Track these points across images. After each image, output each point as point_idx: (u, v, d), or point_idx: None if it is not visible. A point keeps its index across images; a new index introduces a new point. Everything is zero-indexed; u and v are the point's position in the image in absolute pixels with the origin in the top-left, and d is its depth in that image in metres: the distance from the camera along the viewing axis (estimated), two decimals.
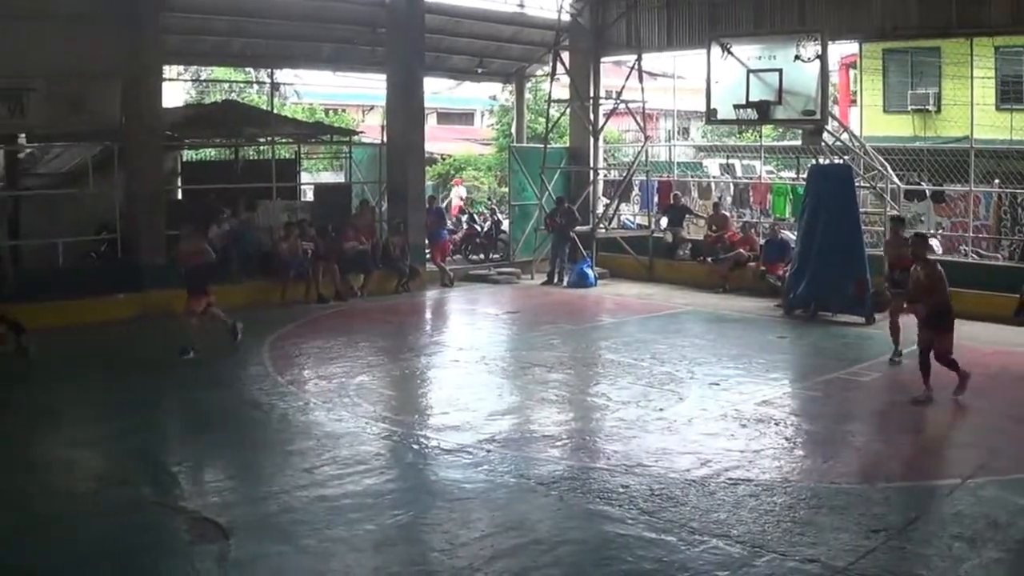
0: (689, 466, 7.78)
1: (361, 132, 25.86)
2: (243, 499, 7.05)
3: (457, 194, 29.89)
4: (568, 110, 22.03)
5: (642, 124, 21.01)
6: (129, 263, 15.50)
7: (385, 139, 19.60)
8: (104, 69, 15.48)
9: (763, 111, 16.60)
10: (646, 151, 21.02)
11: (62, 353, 12.10)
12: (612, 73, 22.98)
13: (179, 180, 19.39)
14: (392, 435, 8.74)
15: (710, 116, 17.61)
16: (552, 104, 21.57)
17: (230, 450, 8.73)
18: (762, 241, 18.79)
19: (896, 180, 17.52)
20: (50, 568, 5.84)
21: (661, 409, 9.65)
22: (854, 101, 25.20)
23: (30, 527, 6.48)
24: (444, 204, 25.02)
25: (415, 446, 8.41)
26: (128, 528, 6.47)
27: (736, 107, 16.81)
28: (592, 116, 21.13)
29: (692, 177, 23.49)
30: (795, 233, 17.08)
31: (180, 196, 18.79)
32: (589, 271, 19.13)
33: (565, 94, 21.73)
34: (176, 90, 27.54)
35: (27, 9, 14.43)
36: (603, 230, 20.46)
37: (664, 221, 21.02)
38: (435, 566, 5.86)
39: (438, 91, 28.25)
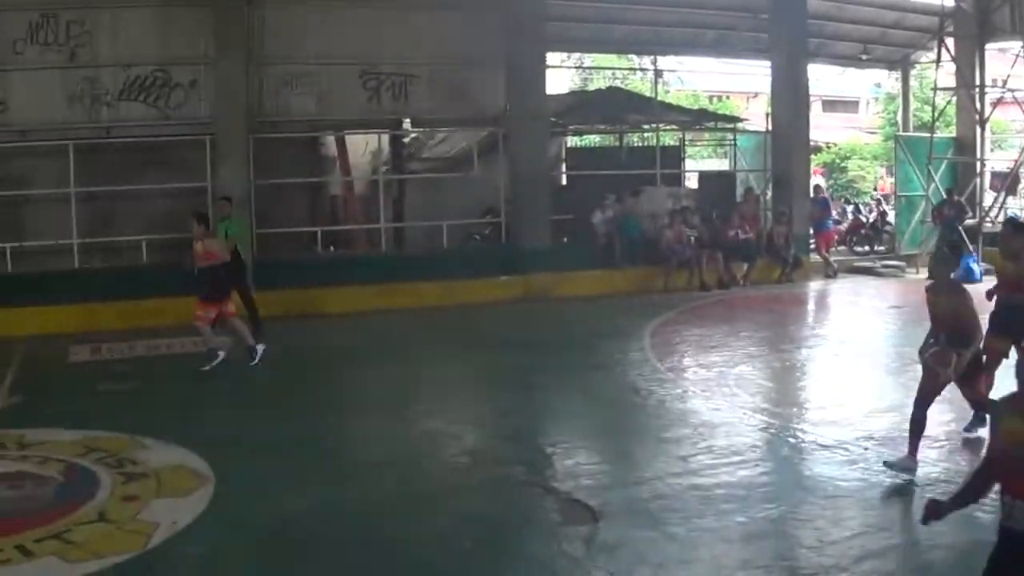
0: None
1: (745, 120, 25.65)
2: (615, 483, 7.18)
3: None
4: (954, 98, 21.02)
5: None
6: (512, 246, 16.33)
7: (770, 127, 19.74)
8: (486, 56, 16.43)
9: None
10: None
11: (446, 331, 12.93)
12: (997, 60, 22.23)
13: (563, 166, 19.96)
14: (769, 427, 8.68)
15: None
16: (937, 92, 20.86)
17: (605, 434, 8.87)
18: None
19: None
20: (419, 539, 6.18)
21: None
22: None
23: (403, 498, 6.94)
24: None
25: (791, 440, 8.31)
26: (498, 505, 6.76)
27: None
28: (978, 105, 19.90)
29: None
30: None
31: (564, 181, 19.33)
32: (975, 266, 17.82)
33: (951, 82, 20.98)
34: (560, 77, 28.69)
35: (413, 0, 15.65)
36: (990, 224, 19.24)
37: None
38: (802, 562, 5.80)
39: (823, 78, 27.81)
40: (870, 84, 36.16)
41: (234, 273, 12.25)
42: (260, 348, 11.60)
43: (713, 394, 9.81)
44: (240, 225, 13.00)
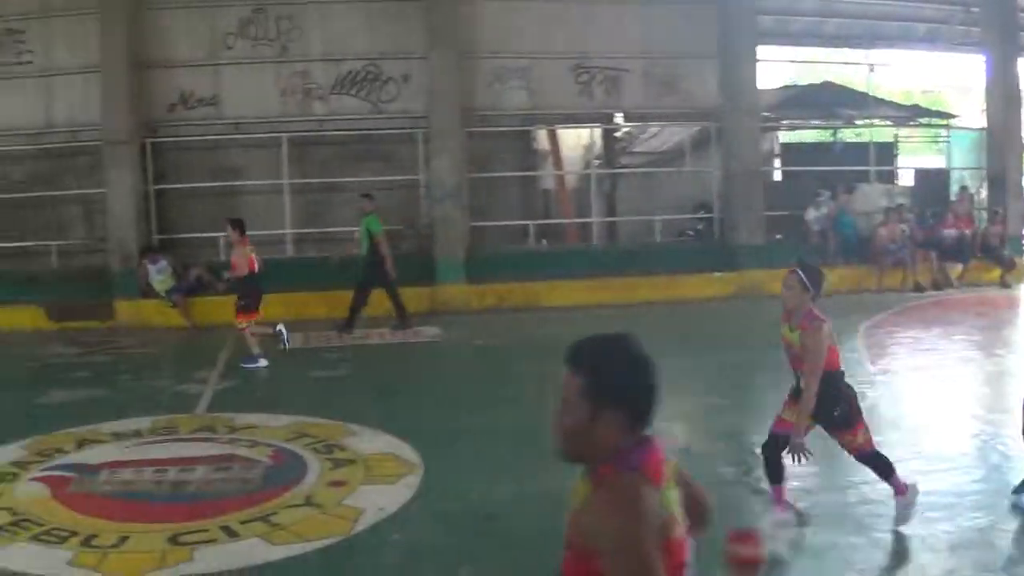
0: None
1: (958, 116, 24.46)
2: (823, 486, 7.19)
3: None
4: None
5: None
6: (725, 242, 16.10)
7: (985, 123, 18.90)
8: (698, 50, 16.32)
9: None
10: None
11: (658, 327, 12.88)
12: None
13: (777, 161, 19.55)
14: (980, 434, 8.52)
15: None
16: None
17: (814, 436, 8.47)
18: None
19: None
20: None
21: None
22: None
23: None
24: None
25: (1000, 447, 8.04)
26: None
27: None
28: None
29: None
30: None
31: (777, 177, 18.99)
32: None
33: None
34: (774, 71, 28.11)
35: None
36: None
37: None
38: (1009, 574, 5.79)
39: None
40: None
41: (375, 268, 13.04)
42: (262, 362, 11.86)
43: (925, 398, 9.74)
44: (378, 222, 13.38)
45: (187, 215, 15.30)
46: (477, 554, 6.10)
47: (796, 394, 6.38)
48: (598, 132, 18.12)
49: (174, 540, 6.49)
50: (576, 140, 18.34)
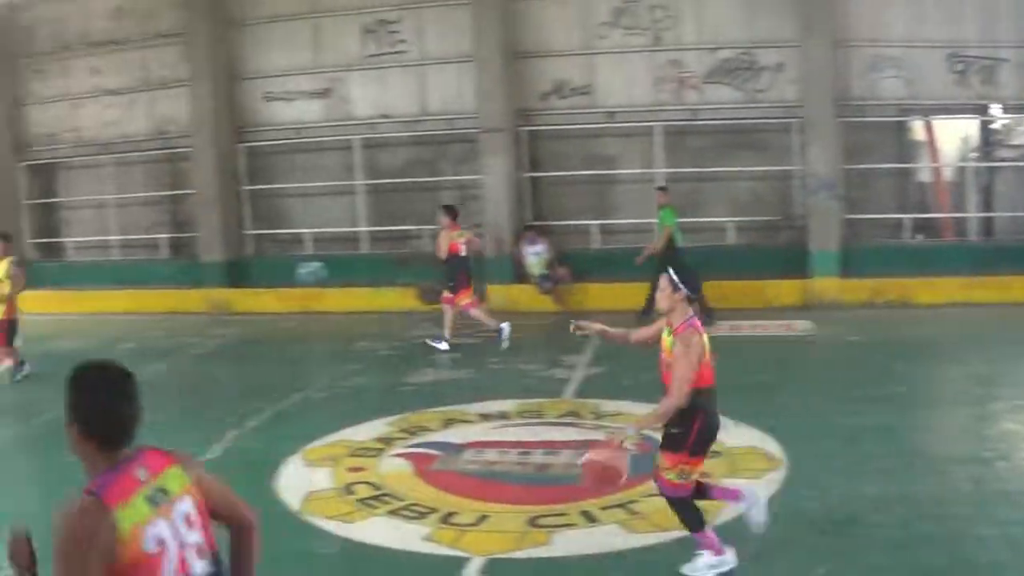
0: None
1: None
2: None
3: None
4: None
5: None
6: None
7: None
8: None
9: None
10: None
11: None
12: None
13: None
14: None
15: None
16: None
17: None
18: None
19: None
20: (991, 543, 6.49)
21: None
22: None
23: (975, 498, 7.40)
24: None
25: None
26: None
27: None
28: None
29: None
30: None
31: None
32: None
33: None
34: None
35: None
36: None
37: None
38: None
39: None
40: None
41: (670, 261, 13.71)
42: (504, 327, 13.49)
43: None
44: (671, 214, 14.65)
45: (560, 202, 17.35)
46: (834, 555, 6.49)
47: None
48: (974, 124, 17.77)
49: (533, 522, 7.20)
50: (951, 132, 18.13)
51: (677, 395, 5.88)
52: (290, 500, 8.07)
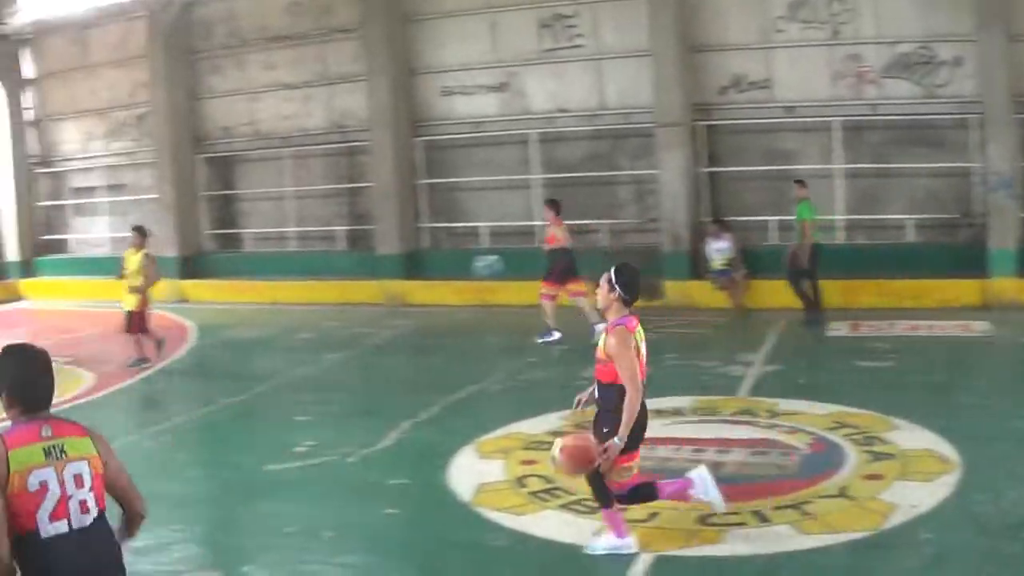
0: None
1: None
2: None
3: None
4: None
5: None
6: None
7: None
8: None
9: None
10: None
11: None
12: None
13: None
14: None
15: None
16: None
17: None
18: None
19: None
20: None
21: None
22: None
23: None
24: None
25: None
26: None
27: None
28: None
29: None
30: None
31: None
32: None
33: None
34: None
35: None
36: None
37: None
38: None
39: None
40: None
41: (812, 257, 16.23)
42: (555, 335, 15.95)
43: None
44: (809, 209, 16.35)
45: (738, 198, 19.29)
46: (1007, 562, 6.96)
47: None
48: None
49: (704, 520, 7.72)
50: None
51: (633, 388, 7.03)
52: (462, 491, 8.96)
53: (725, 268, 17.97)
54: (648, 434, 8.75)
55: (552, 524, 7.99)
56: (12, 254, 27.98)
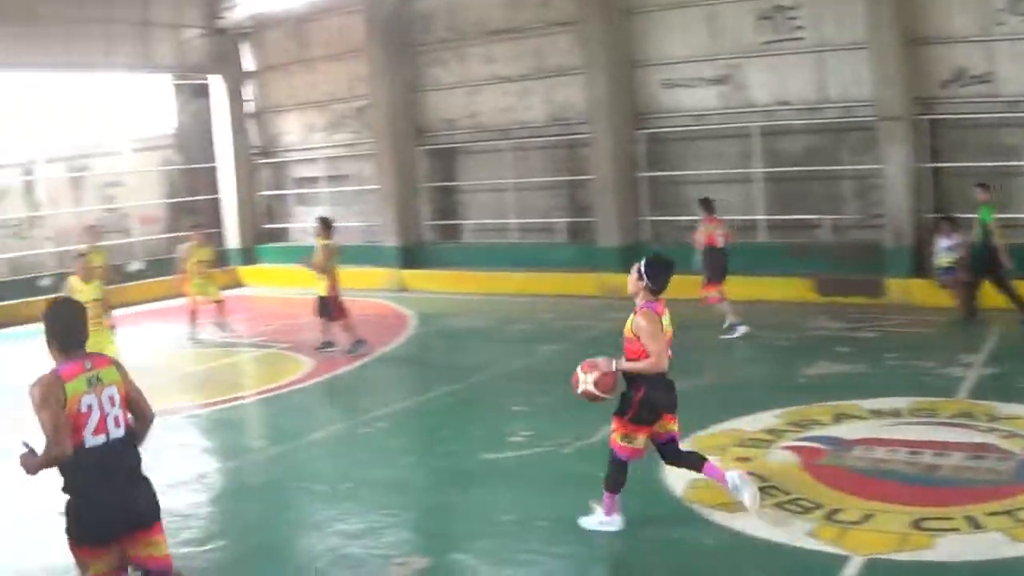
0: None
1: None
2: None
3: None
4: None
5: None
6: None
7: None
8: None
9: None
10: None
11: None
12: None
13: None
14: None
15: None
16: None
17: None
18: None
19: None
20: None
21: None
22: None
23: None
24: None
25: None
26: None
27: None
28: None
29: None
30: None
31: None
32: None
33: None
34: None
35: None
36: None
37: None
38: None
39: None
40: None
41: (985, 258, 17.59)
42: (740, 329, 17.81)
43: None
44: (989, 211, 17.68)
45: (962, 195, 20.27)
46: None
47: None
48: None
49: (917, 524, 8.18)
50: None
51: (656, 359, 8.42)
52: (675, 486, 9.67)
53: (952, 267, 18.70)
54: (864, 434, 10.11)
55: (764, 522, 8.55)
56: (234, 242, 31.78)
